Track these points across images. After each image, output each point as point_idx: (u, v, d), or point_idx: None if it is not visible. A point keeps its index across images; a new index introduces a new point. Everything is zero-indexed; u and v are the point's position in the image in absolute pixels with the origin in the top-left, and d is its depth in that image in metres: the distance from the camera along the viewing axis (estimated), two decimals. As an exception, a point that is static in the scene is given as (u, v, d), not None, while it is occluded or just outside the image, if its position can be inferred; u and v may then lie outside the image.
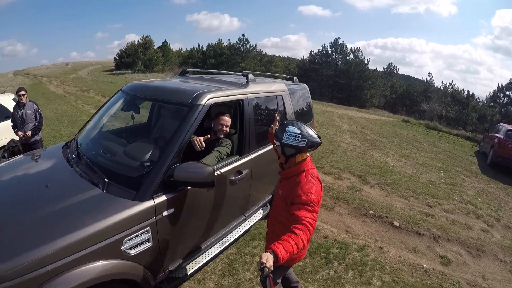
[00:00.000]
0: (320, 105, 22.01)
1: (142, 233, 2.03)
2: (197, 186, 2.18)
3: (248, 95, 3.03)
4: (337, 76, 35.36)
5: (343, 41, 36.88)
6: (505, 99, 30.45)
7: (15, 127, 4.83)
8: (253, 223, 3.36)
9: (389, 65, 43.48)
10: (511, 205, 6.10)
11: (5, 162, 2.96)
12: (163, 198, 2.15)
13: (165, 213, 2.16)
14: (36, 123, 4.90)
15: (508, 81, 29.90)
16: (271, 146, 3.01)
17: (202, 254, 2.75)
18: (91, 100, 14.00)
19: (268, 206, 3.65)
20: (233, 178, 2.81)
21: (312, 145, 1.96)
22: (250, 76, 3.29)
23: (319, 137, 2.03)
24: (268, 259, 1.48)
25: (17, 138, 4.89)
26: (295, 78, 4.67)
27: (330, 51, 37.47)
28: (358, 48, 36.49)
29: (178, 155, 2.26)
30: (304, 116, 4.53)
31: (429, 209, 5.13)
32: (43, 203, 2.05)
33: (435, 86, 37.61)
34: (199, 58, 40.05)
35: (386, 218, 4.53)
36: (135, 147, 2.73)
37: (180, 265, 2.51)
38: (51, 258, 1.64)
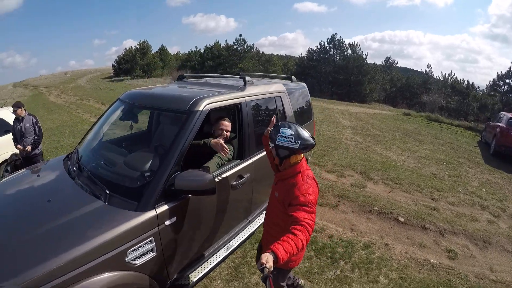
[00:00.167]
0: (320, 102, 21.98)
1: (145, 243, 2.02)
2: (198, 194, 2.18)
3: (246, 98, 3.02)
4: (336, 72, 35.31)
5: (340, 37, 36.86)
6: (505, 87, 30.30)
7: (16, 141, 4.85)
8: (257, 226, 3.35)
9: (388, 59, 43.35)
10: (516, 194, 6.04)
11: (8, 178, 2.97)
12: (164, 207, 2.15)
13: (167, 222, 2.16)
14: (36, 137, 4.87)
15: (508, 69, 29.76)
16: None
17: (207, 260, 2.74)
18: (91, 109, 14.04)
19: None
20: (234, 183, 2.80)
21: (306, 146, 1.96)
22: (248, 78, 3.28)
23: (313, 138, 2.03)
24: (268, 259, 1.49)
25: (18, 151, 4.91)
26: (293, 77, 4.66)
27: (327, 47, 37.43)
28: (356, 43, 36.45)
29: (178, 163, 2.26)
30: (304, 115, 4.52)
31: (434, 202, 5.10)
32: (46, 219, 2.05)
33: (435, 77, 37.42)
34: (197, 61, 40.13)
35: (391, 214, 4.51)
36: (135, 157, 2.72)
37: (185, 272, 2.50)
38: (57, 273, 1.64)
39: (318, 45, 38.18)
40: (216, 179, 2.59)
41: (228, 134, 2.91)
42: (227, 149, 2.61)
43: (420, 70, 42.85)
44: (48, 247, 1.77)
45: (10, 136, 5.10)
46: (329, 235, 3.91)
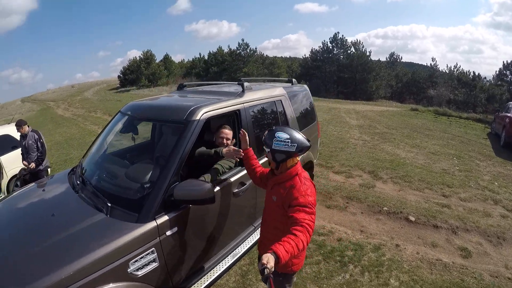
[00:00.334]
0: (326, 102, 21.83)
1: (147, 254, 2.03)
2: (197, 203, 2.18)
3: (244, 104, 3.00)
4: (340, 71, 35.08)
5: (342, 35, 36.62)
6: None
7: (23, 157, 4.99)
8: (263, 232, 3.32)
9: (392, 54, 42.80)
10: (530, 186, 5.86)
11: (16, 192, 3.05)
12: (165, 218, 2.15)
13: (169, 233, 2.17)
14: (39, 154, 4.96)
15: (513, 57, 29.11)
16: None
17: (213, 268, 2.72)
18: (99, 120, 14.25)
19: None
20: (236, 190, 2.79)
21: (302, 149, 1.99)
22: (246, 84, 3.27)
23: (308, 141, 2.05)
24: (269, 260, 1.49)
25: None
26: (293, 80, 4.62)
27: (330, 47, 37.24)
28: (359, 40, 36.23)
29: (177, 174, 2.26)
30: (307, 117, 4.49)
31: (445, 199, 4.98)
32: (49, 233, 2.09)
33: (440, 70, 36.92)
34: (201, 68, 40.41)
35: (401, 214, 4.42)
36: (136, 169, 2.75)
37: (191, 281, 2.49)
38: (61, 286, 1.66)
39: (321, 45, 38.05)
40: (218, 187, 2.59)
41: (229, 142, 2.89)
42: (240, 151, 2.57)
43: (425, 64, 42.25)
44: (50, 261, 1.81)
45: (18, 151, 5.27)
46: (338, 238, 3.84)
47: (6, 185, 5.68)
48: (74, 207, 2.39)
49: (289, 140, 1.95)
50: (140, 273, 1.99)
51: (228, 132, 2.87)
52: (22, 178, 5.06)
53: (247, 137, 2.48)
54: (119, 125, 3.20)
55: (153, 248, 2.07)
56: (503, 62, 30.23)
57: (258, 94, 3.31)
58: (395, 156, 7.33)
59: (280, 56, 54.95)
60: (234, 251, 2.94)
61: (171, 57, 42.28)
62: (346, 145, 8.46)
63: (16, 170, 5.53)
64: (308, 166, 4.34)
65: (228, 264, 2.81)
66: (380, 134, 9.98)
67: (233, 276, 3.19)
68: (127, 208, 2.18)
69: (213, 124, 3.29)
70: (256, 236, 3.21)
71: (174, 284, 2.33)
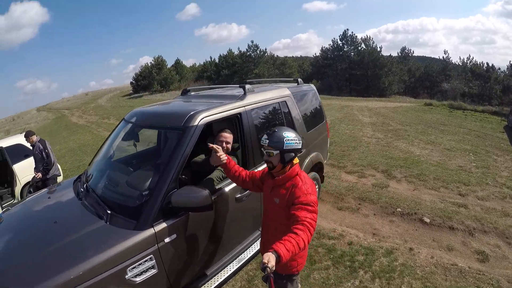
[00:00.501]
0: (339, 100, 21.49)
1: (145, 261, 2.04)
2: (195, 210, 2.16)
3: (246, 107, 2.94)
4: (352, 69, 34.37)
5: (352, 32, 35.81)
6: (527, 65, 28.42)
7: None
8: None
9: (403, 49, 41.58)
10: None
11: (27, 198, 3.20)
12: (163, 225, 2.15)
13: (167, 240, 2.16)
14: (44, 164, 5.06)
15: (528, 46, 27.89)
16: None
17: (217, 273, 2.69)
18: (112, 127, 14.40)
19: None
20: (239, 195, 2.74)
21: (303, 144, 2.06)
22: (248, 86, 3.21)
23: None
24: (270, 259, 1.49)
25: None
26: (299, 79, 4.51)
27: (341, 44, 36.62)
28: (369, 36, 35.39)
29: (175, 180, 2.24)
30: (315, 117, 4.38)
31: (462, 198, 4.75)
32: (50, 240, 2.15)
33: (453, 63, 35.50)
34: (213, 71, 40.54)
35: (415, 215, 4.24)
36: (136, 176, 2.76)
37: (194, 286, 2.48)
38: None
39: (331, 43, 37.48)
40: (219, 193, 2.56)
41: (229, 146, 2.82)
42: (222, 158, 2.39)
43: (438, 57, 40.78)
44: (47, 268, 1.85)
45: (31, 160, 5.47)
46: (349, 242, 3.71)
47: (19, 192, 5.96)
48: (76, 215, 2.43)
49: (297, 138, 2.00)
50: (139, 279, 2.00)
51: (227, 136, 2.80)
52: (35, 185, 5.22)
53: (220, 151, 2.35)
54: (122, 133, 3.21)
55: (152, 255, 2.07)
56: (517, 51, 28.96)
57: (260, 96, 3.24)
58: (409, 154, 7.09)
59: (291, 56, 54.54)
60: (240, 256, 2.91)
61: (182, 61, 42.65)
62: (359, 143, 8.27)
63: (29, 178, 5.77)
64: (318, 168, 4.24)
65: (233, 270, 2.78)
66: (394, 131, 9.71)
67: (239, 281, 3.13)
68: (126, 215, 2.19)
69: (215, 128, 3.24)
70: (262, 240, 3.16)
71: None
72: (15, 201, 5.60)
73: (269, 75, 34.16)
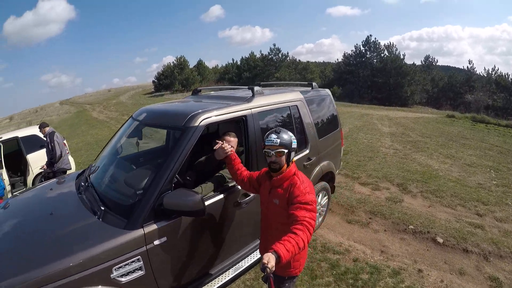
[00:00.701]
0: (359, 108, 21.00)
1: (133, 261, 2.01)
2: (186, 214, 2.11)
3: (252, 109, 2.84)
4: (374, 76, 33.55)
5: (375, 38, 34.96)
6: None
7: None
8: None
9: (427, 57, 40.27)
10: None
11: (33, 188, 3.32)
12: (153, 227, 2.10)
13: (156, 242, 2.11)
14: (50, 156, 5.17)
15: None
16: None
17: (211, 281, 2.61)
18: (130, 123, 14.65)
19: None
20: (238, 201, 2.65)
21: None
22: (257, 88, 3.10)
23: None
24: (269, 259, 1.49)
25: None
26: (314, 84, 4.34)
27: (363, 50, 35.90)
28: (392, 43, 34.47)
29: (170, 181, 2.19)
30: (329, 124, 4.21)
31: (479, 218, 4.42)
32: (42, 231, 2.21)
33: (478, 73, 34.11)
34: (234, 73, 40.75)
35: (428, 234, 3.96)
36: (134, 175, 2.75)
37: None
38: (36, 284, 1.71)
39: (354, 49, 36.80)
40: (216, 198, 2.48)
41: (232, 150, 2.71)
42: (227, 149, 2.41)
43: (462, 67, 39.40)
44: (34, 258, 1.89)
45: (44, 150, 5.57)
46: (354, 258, 3.51)
47: (32, 181, 6.18)
48: (72, 208, 2.46)
49: (294, 137, 2.03)
50: (124, 279, 1.98)
51: (230, 140, 2.70)
52: (46, 176, 5.32)
53: (227, 145, 2.41)
54: (128, 130, 3.19)
55: (139, 257, 2.04)
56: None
57: (269, 99, 3.13)
58: (427, 168, 6.75)
59: (313, 61, 54.14)
60: (237, 265, 2.82)
61: (204, 62, 43.19)
62: (376, 154, 7.96)
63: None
64: (329, 177, 4.06)
65: (228, 278, 2.70)
66: (413, 142, 9.32)
67: (236, 290, 2.99)
68: (118, 213, 2.18)
69: (221, 130, 3.16)
70: (262, 250, 3.03)
71: None
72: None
73: (290, 80, 33.94)
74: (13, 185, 6.20)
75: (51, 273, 1.74)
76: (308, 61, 43.96)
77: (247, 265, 2.84)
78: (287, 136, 1.99)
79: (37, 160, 6.01)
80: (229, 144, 2.69)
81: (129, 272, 1.99)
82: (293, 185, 1.93)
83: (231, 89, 4.18)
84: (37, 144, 6.20)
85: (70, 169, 5.52)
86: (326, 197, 4.02)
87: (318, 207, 3.89)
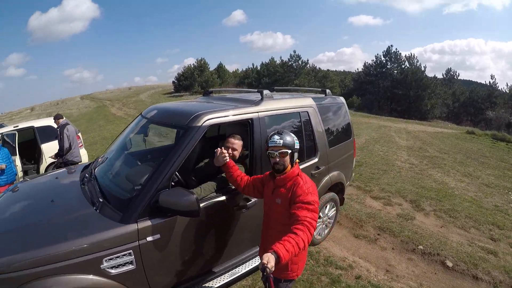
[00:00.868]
0: (378, 119, 20.60)
1: (124, 255, 2.02)
2: (180, 214, 2.09)
3: (259, 113, 2.78)
4: (394, 87, 32.82)
5: (396, 49, 34.37)
6: None
7: None
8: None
9: (448, 71, 39.26)
10: None
11: (42, 175, 3.51)
12: (148, 223, 2.11)
13: (149, 238, 2.11)
14: (58, 148, 5.33)
15: None
16: None
17: (205, 283, 2.57)
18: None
19: None
20: (238, 206, 2.59)
21: None
22: (266, 92, 3.05)
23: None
24: (269, 259, 1.49)
25: None
26: (328, 91, 4.21)
27: (384, 61, 35.27)
28: (413, 54, 33.74)
29: (169, 179, 2.19)
30: (342, 133, 4.08)
31: (493, 243, 4.16)
32: (42, 216, 2.30)
33: (500, 89, 33.01)
34: (254, 78, 40.93)
35: (438, 256, 3.76)
36: (136, 170, 2.75)
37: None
38: (30, 264, 1.79)
39: (374, 59, 36.25)
40: (216, 200, 2.46)
41: (236, 152, 2.65)
42: (224, 154, 2.39)
43: (484, 82, 38.10)
44: (29, 241, 1.97)
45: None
46: (357, 275, 3.36)
47: (44, 169, 6.43)
48: (73, 198, 2.52)
49: (296, 138, 2.06)
50: (114, 271, 1.99)
51: (234, 142, 2.65)
52: (58, 165, 5.42)
53: (226, 154, 2.39)
54: (136, 126, 3.20)
55: (131, 251, 2.05)
56: None
57: (278, 104, 3.07)
58: (443, 185, 6.47)
59: (334, 70, 53.74)
60: (234, 270, 2.76)
61: (224, 66, 43.55)
62: (391, 167, 7.71)
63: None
64: (338, 188, 3.93)
65: (223, 282, 2.65)
66: (430, 158, 9.00)
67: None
68: (115, 207, 2.21)
69: (228, 132, 3.10)
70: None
71: None
72: None
73: (310, 87, 33.82)
74: (26, 172, 6.44)
75: (43, 257, 1.81)
76: (328, 70, 43.75)
77: (244, 271, 2.78)
78: (290, 137, 2.00)
79: (51, 150, 6.18)
80: (233, 146, 2.64)
81: (119, 265, 2.01)
82: (296, 185, 1.94)
83: (243, 92, 4.12)
84: (52, 134, 6.41)
85: (80, 161, 5.60)
86: (334, 209, 3.89)
87: (325, 219, 3.78)
